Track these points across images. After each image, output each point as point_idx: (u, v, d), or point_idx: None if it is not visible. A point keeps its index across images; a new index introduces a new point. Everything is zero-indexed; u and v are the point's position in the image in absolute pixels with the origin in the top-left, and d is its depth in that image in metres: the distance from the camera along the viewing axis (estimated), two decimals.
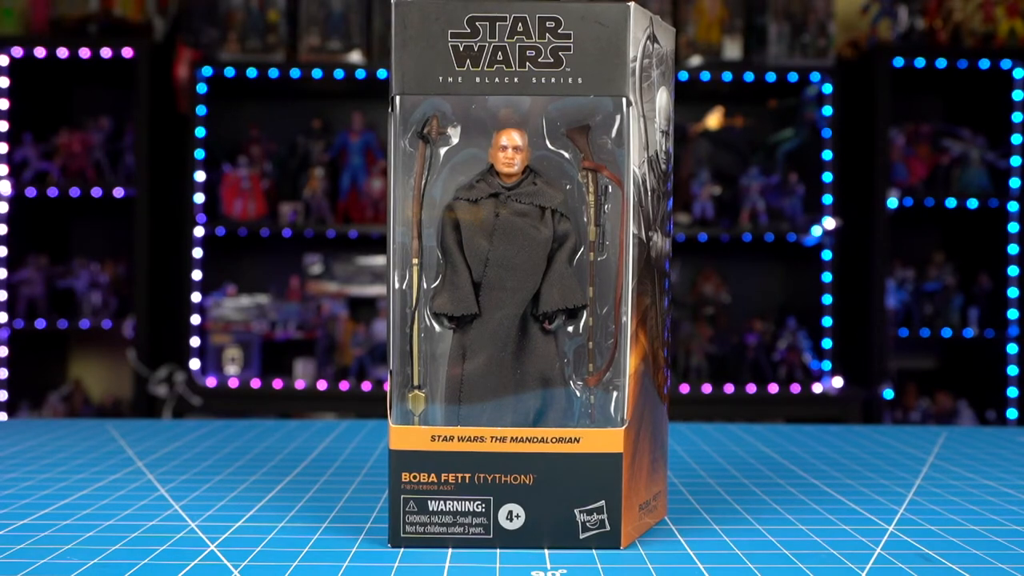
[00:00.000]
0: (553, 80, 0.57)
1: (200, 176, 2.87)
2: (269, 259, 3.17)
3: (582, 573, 0.54)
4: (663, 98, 0.62)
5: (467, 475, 0.58)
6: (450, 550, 0.58)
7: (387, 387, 0.59)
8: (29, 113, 2.97)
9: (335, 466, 0.85)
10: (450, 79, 0.57)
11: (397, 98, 0.57)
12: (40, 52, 2.84)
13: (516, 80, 0.57)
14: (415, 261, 0.58)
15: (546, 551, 0.58)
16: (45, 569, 0.55)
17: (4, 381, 2.91)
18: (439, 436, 0.58)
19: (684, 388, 2.88)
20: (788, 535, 0.63)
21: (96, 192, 2.92)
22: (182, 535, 0.63)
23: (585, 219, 0.58)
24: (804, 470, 0.85)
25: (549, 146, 0.58)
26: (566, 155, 0.58)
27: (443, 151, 0.58)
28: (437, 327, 0.59)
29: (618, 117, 0.57)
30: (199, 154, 2.87)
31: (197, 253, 2.88)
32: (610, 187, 0.58)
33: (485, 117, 0.58)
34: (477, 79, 0.57)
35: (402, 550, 0.58)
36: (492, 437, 0.57)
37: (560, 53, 0.56)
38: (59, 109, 3.13)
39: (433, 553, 0.57)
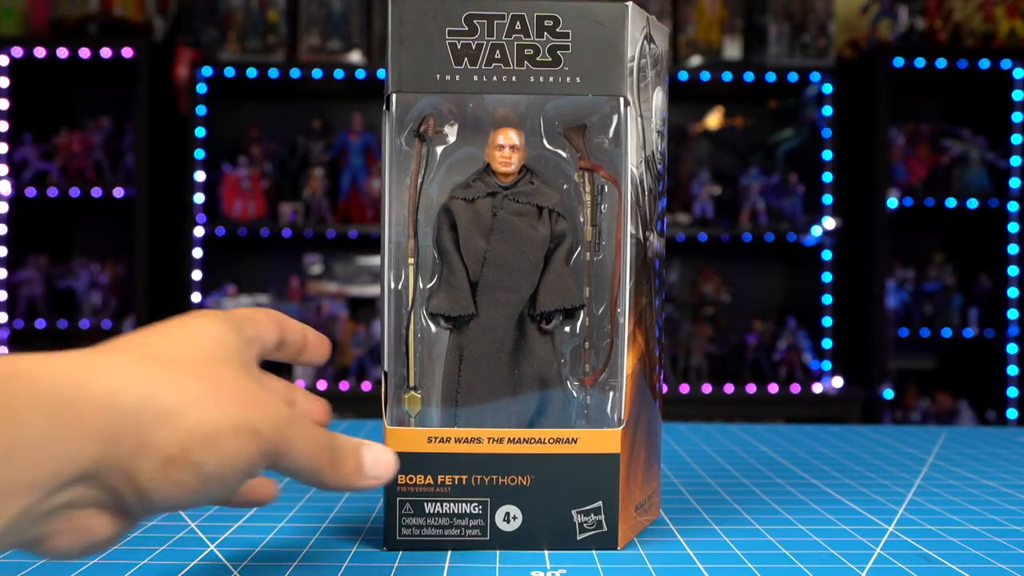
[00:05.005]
0: (551, 79, 0.56)
1: (200, 176, 2.87)
2: (269, 259, 3.17)
3: (581, 573, 0.54)
4: (659, 98, 0.62)
5: (464, 477, 0.57)
6: (449, 551, 0.58)
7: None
8: (29, 113, 2.97)
9: None
10: (447, 77, 0.56)
11: (393, 96, 0.57)
12: (40, 52, 2.84)
13: (514, 79, 0.56)
14: (411, 261, 0.58)
15: (546, 552, 0.57)
16: (44, 569, 0.55)
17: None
18: (436, 437, 0.57)
19: (684, 388, 2.88)
20: (788, 535, 0.62)
21: (96, 192, 2.92)
22: (182, 535, 0.62)
23: (581, 219, 0.58)
24: (804, 470, 0.84)
25: (547, 145, 0.58)
26: (563, 154, 0.58)
27: (439, 150, 0.58)
28: (433, 327, 0.58)
29: (615, 117, 0.57)
30: (199, 154, 2.87)
31: (197, 253, 2.88)
32: (606, 187, 0.58)
33: (482, 116, 0.58)
34: (475, 77, 0.56)
35: (401, 551, 0.58)
36: (489, 438, 0.57)
37: (558, 52, 0.56)
38: (59, 109, 3.13)
39: (432, 553, 0.57)
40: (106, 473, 0.37)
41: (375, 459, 0.48)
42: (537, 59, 0.56)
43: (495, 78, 0.56)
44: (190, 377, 0.40)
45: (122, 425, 0.37)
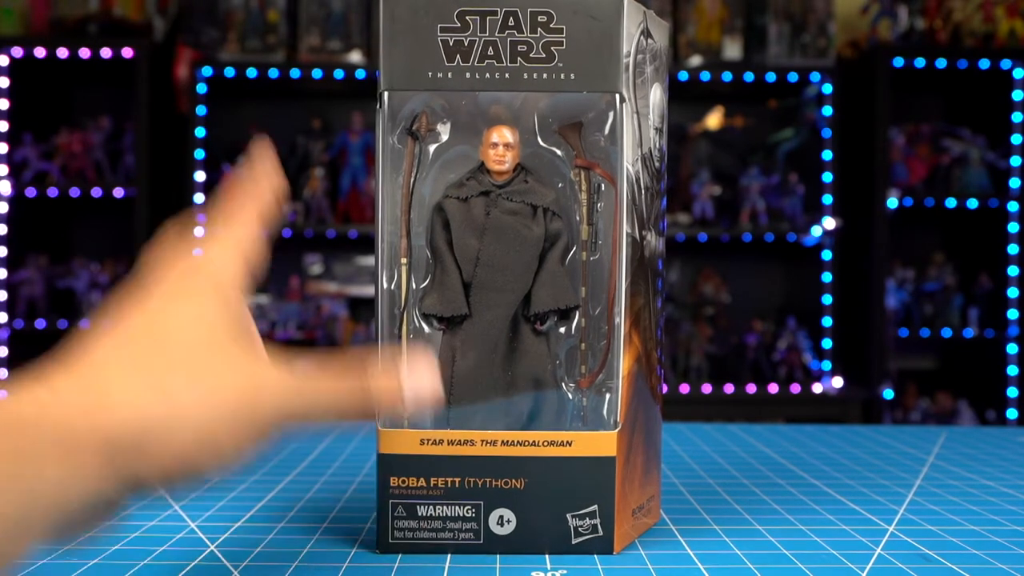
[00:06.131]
0: (545, 76, 0.56)
1: (200, 176, 2.87)
2: (269, 259, 3.16)
3: (582, 574, 0.53)
4: (657, 94, 0.61)
5: (457, 479, 0.57)
6: (450, 553, 0.57)
7: None
8: (29, 113, 2.96)
9: (335, 467, 0.85)
10: (439, 75, 0.56)
11: (385, 94, 0.57)
12: (40, 52, 2.84)
13: (507, 76, 0.56)
14: (403, 260, 0.57)
15: (546, 553, 0.57)
16: (44, 570, 0.55)
17: (4, 381, 2.90)
18: (428, 440, 0.57)
19: (684, 388, 2.87)
20: (788, 535, 0.62)
21: (96, 192, 2.91)
22: (182, 535, 0.62)
23: (577, 218, 0.58)
24: (804, 470, 0.84)
25: (541, 143, 0.58)
26: (558, 152, 0.58)
27: (432, 148, 0.58)
28: (426, 328, 0.58)
29: (611, 114, 0.57)
30: (199, 154, 2.86)
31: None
32: (603, 185, 0.57)
33: (475, 114, 0.57)
34: (467, 75, 0.56)
35: (400, 553, 0.57)
36: (482, 440, 0.56)
37: (552, 48, 0.56)
38: (59, 109, 3.12)
39: (432, 555, 0.57)
40: (116, 483, 0.40)
41: (416, 395, 0.46)
42: (531, 56, 0.56)
43: (488, 75, 0.56)
44: (185, 381, 0.41)
45: (125, 451, 0.39)
